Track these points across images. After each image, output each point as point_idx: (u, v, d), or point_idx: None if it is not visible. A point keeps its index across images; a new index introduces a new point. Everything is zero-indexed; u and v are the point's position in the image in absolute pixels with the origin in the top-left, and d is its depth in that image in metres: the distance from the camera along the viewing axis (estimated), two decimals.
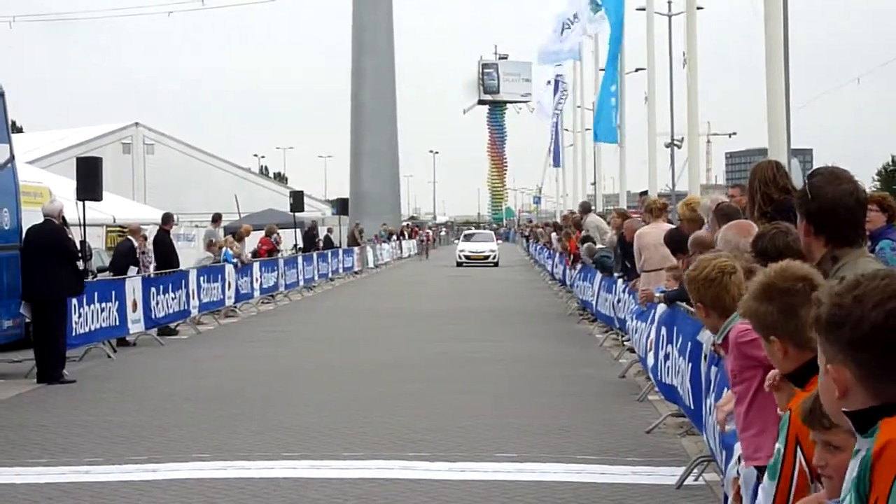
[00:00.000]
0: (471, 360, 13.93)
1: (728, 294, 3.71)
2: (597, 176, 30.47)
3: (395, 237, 51.41)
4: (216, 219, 22.99)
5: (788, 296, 2.51)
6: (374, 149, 62.99)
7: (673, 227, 10.87)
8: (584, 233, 19.18)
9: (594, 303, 17.64)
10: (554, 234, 30.30)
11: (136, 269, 17.08)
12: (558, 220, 36.71)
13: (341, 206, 42.79)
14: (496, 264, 41.93)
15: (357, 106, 64.74)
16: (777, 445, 2.53)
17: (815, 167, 4.25)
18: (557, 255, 28.84)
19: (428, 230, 59.97)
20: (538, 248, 44.09)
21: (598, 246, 17.53)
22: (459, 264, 41.91)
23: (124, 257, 17.21)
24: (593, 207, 24.12)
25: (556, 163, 38.53)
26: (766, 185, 5.53)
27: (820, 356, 1.73)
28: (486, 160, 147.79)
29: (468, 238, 46.77)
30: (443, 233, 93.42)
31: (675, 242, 9.26)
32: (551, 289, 29.51)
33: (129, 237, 17.78)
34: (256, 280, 23.85)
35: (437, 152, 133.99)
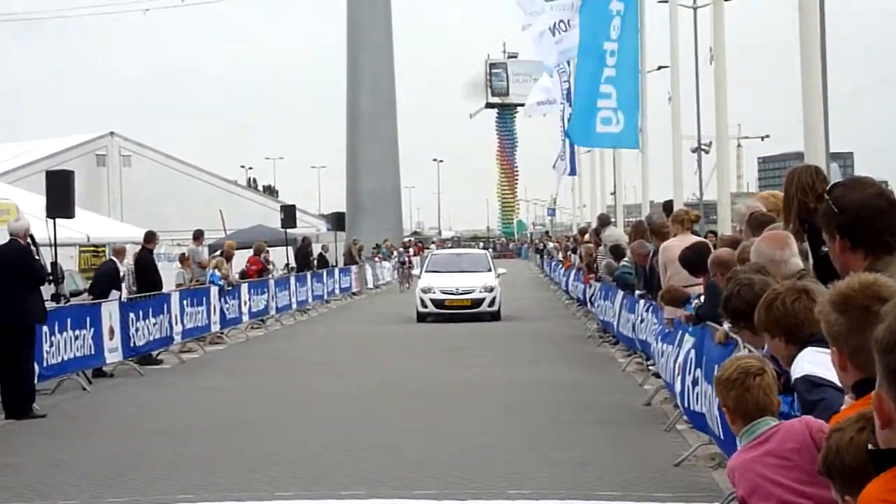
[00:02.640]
0: (481, 387, 13.94)
1: (750, 397, 3.73)
2: (616, 184, 30.39)
3: (397, 254, 49.17)
4: (197, 236, 22.93)
5: (862, 313, 2.55)
6: (372, 158, 63.16)
7: (698, 240, 10.87)
8: (602, 247, 19.20)
9: (615, 324, 17.67)
10: (576, 251, 30.36)
11: (119, 293, 17.05)
12: (575, 233, 36.79)
13: (337, 222, 42.87)
14: (496, 315, 25.16)
15: (353, 111, 64.94)
16: None
17: (855, 172, 4.22)
18: (574, 272, 28.91)
19: (407, 254, 46.63)
20: (553, 264, 44.15)
21: (623, 262, 17.61)
22: (422, 317, 25.31)
23: (108, 280, 17.12)
24: (613, 219, 24.11)
25: (573, 171, 38.47)
26: (803, 192, 5.47)
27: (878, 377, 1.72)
28: (496, 169, 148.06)
29: (439, 266, 27.16)
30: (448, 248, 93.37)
31: (693, 262, 9.23)
32: (568, 309, 29.52)
33: (113, 258, 17.78)
34: (245, 303, 23.89)
35: (441, 161, 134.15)
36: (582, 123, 19.17)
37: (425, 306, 25.55)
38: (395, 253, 48.32)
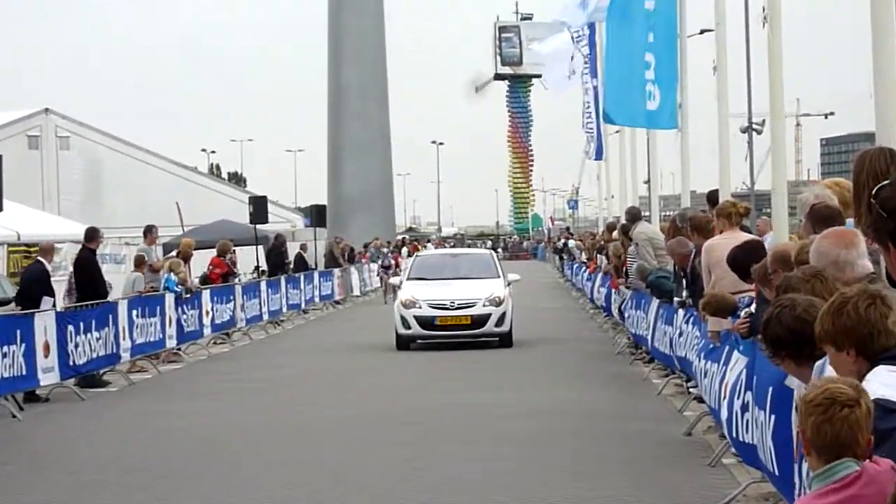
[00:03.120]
0: (489, 415, 13.98)
1: (831, 430, 3.61)
2: (651, 172, 30.41)
3: (381, 255, 48.18)
4: (147, 232, 22.85)
5: None
6: (358, 140, 63.21)
7: (748, 237, 10.85)
8: (633, 246, 19.32)
9: (650, 338, 17.75)
10: (603, 251, 30.31)
11: (52, 300, 17.02)
12: (601, 229, 36.71)
13: (317, 216, 42.91)
14: (505, 338, 22.44)
15: (335, 83, 64.96)
16: None
17: None
18: (600, 276, 28.98)
19: (394, 256, 45.73)
20: (575, 266, 44.17)
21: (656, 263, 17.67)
22: (404, 342, 22.51)
23: (36, 285, 16.98)
24: (646, 213, 24.06)
25: (599, 155, 38.38)
26: (876, 180, 5.41)
27: None
28: (507, 153, 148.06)
29: (428, 270, 24.27)
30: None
31: (744, 263, 9.20)
32: (594, 319, 29.60)
33: (41, 259, 17.69)
34: (207, 314, 23.93)
35: (441, 143, 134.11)
36: (623, 98, 19.11)
37: (408, 327, 22.35)
38: (379, 254, 47.26)
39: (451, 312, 22.36)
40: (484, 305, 22.46)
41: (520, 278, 24.69)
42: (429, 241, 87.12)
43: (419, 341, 22.60)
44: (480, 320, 22.32)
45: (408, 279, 23.90)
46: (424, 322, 22.37)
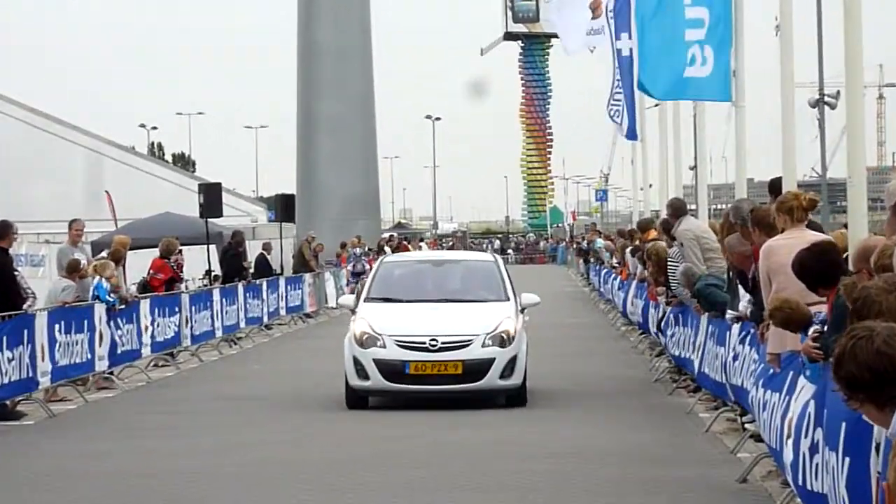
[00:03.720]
0: (491, 455, 13.98)
1: None
2: (698, 155, 30.45)
3: (360, 257, 47.39)
4: (71, 227, 22.79)
5: None
6: (335, 115, 63.09)
7: (819, 237, 10.83)
8: (676, 247, 19.35)
9: (696, 361, 17.81)
10: (629, 253, 30.31)
11: None
12: (634, 226, 36.66)
13: (283, 208, 42.92)
14: (515, 394, 18.74)
15: (307, 47, 64.84)
16: None
17: None
18: (635, 284, 29.04)
19: (368, 259, 44.42)
20: (604, 272, 44.18)
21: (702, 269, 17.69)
22: (356, 398, 18.67)
23: None
24: (692, 207, 24.05)
25: (633, 135, 38.28)
26: None
27: None
28: (519, 132, 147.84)
29: (396, 287, 20.39)
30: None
31: (814, 269, 9.17)
32: (626, 338, 29.72)
33: None
34: (146, 329, 23.96)
35: (438, 119, 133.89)
36: (662, 64, 19.06)
37: (364, 376, 18.30)
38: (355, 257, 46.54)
39: (433, 356, 18.15)
40: (484, 345, 18.28)
41: (539, 301, 19.77)
42: (422, 240, 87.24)
43: (379, 398, 18.62)
44: (478, 368, 18.19)
45: (366, 299, 19.54)
46: (389, 370, 18.14)
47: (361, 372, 18.15)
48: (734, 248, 13.92)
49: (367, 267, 43.56)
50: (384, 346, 18.18)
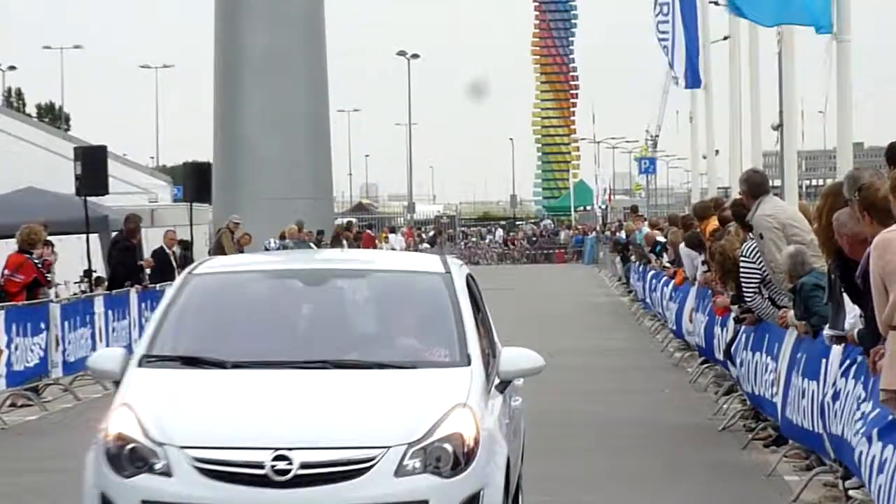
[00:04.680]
0: None
1: None
2: (785, 110, 30.54)
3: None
4: None
5: None
6: (270, 50, 63.05)
7: None
8: (754, 239, 19.47)
9: (779, 402, 17.83)
10: (683, 247, 30.45)
11: None
12: (688, 211, 36.68)
13: (195, 183, 43.35)
14: None
15: None
16: None
17: None
18: (694, 290, 29.18)
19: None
20: (649, 274, 44.05)
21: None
22: None
23: None
24: (776, 184, 24.15)
25: (692, 80, 38.36)
26: None
27: None
28: (531, 75, 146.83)
29: (211, 328, 14.04)
30: (423, 245, 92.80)
31: None
32: (682, 369, 29.88)
33: None
34: None
35: (414, 56, 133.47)
36: None
37: None
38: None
39: (279, 499, 12.17)
40: (402, 472, 12.24)
41: (540, 366, 13.86)
42: (393, 229, 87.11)
43: None
44: None
45: (145, 360, 13.47)
46: None
47: None
48: (845, 228, 13.61)
49: None
50: (168, 473, 12.19)
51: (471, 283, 14.48)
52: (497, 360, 13.70)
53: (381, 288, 14.75)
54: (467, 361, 13.18)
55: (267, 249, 46.05)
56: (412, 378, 13.07)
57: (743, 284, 19.96)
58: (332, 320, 14.31)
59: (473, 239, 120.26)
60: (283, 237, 49.37)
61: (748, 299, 19.92)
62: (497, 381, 13.49)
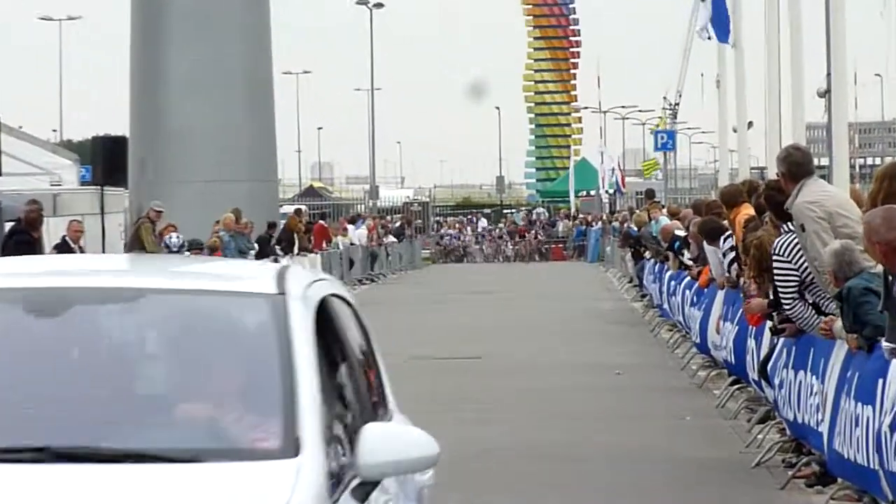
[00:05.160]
0: None
1: None
2: (833, 74, 30.30)
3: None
4: None
5: None
6: (199, 6, 63.07)
7: None
8: (786, 235, 19.65)
9: (825, 430, 18.01)
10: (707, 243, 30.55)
11: None
12: (713, 195, 36.42)
13: (107, 162, 43.71)
14: None
15: None
16: None
17: None
18: (719, 296, 29.42)
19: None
20: (667, 276, 43.81)
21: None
22: None
23: None
24: (822, 164, 23.71)
25: (721, 33, 38.31)
26: None
27: None
28: (521, 26, 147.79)
29: None
30: (389, 239, 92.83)
31: None
32: (708, 392, 29.93)
33: None
34: None
35: (378, 6, 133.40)
36: None
37: None
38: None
39: None
40: None
41: (432, 454, 9.99)
42: (353, 218, 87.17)
43: None
44: None
45: None
46: None
47: None
48: (878, 235, 14.53)
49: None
50: None
51: (332, 312, 11.02)
52: (357, 445, 9.84)
53: (162, 320, 11.03)
54: (293, 450, 9.61)
55: (168, 248, 45.85)
56: (193, 479, 9.43)
57: (779, 288, 20.16)
58: (67, 375, 10.44)
59: (450, 231, 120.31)
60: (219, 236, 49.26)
61: (786, 307, 20.04)
62: (355, 482, 9.85)
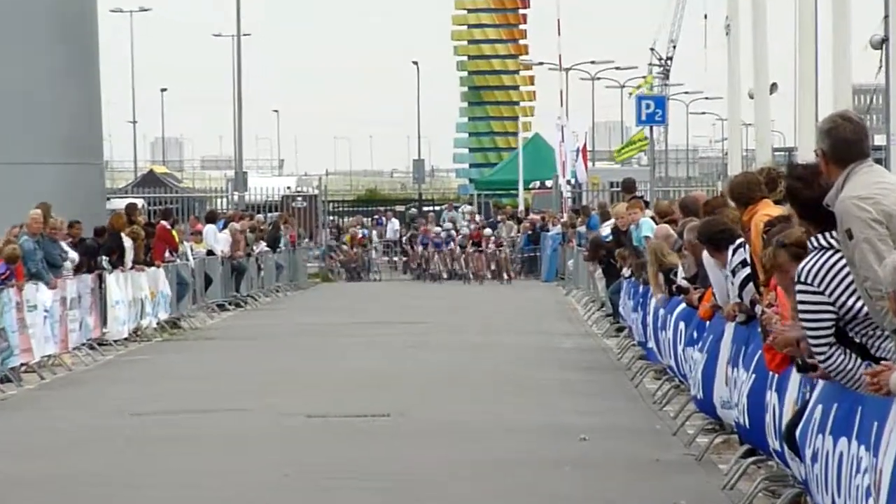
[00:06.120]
0: None
1: None
2: (892, 17, 31.07)
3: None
4: None
5: None
6: None
7: None
8: (820, 259, 19.37)
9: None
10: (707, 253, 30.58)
11: None
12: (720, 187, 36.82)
13: None
14: None
15: None
16: None
17: None
18: (730, 330, 29.61)
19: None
20: (652, 303, 44.08)
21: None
22: None
23: None
24: (879, 144, 24.04)
25: None
26: None
27: None
28: None
29: None
30: (261, 247, 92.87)
31: None
32: (710, 465, 30.28)
33: None
34: None
35: None
36: None
37: None
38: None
39: None
40: None
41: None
42: (213, 218, 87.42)
43: None
44: None
45: None
46: None
47: None
48: None
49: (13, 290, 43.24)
50: None
51: None
52: None
53: None
54: None
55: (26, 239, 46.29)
56: None
57: (808, 331, 19.74)
58: None
59: (362, 230, 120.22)
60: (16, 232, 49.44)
61: (819, 357, 19.67)
62: None
